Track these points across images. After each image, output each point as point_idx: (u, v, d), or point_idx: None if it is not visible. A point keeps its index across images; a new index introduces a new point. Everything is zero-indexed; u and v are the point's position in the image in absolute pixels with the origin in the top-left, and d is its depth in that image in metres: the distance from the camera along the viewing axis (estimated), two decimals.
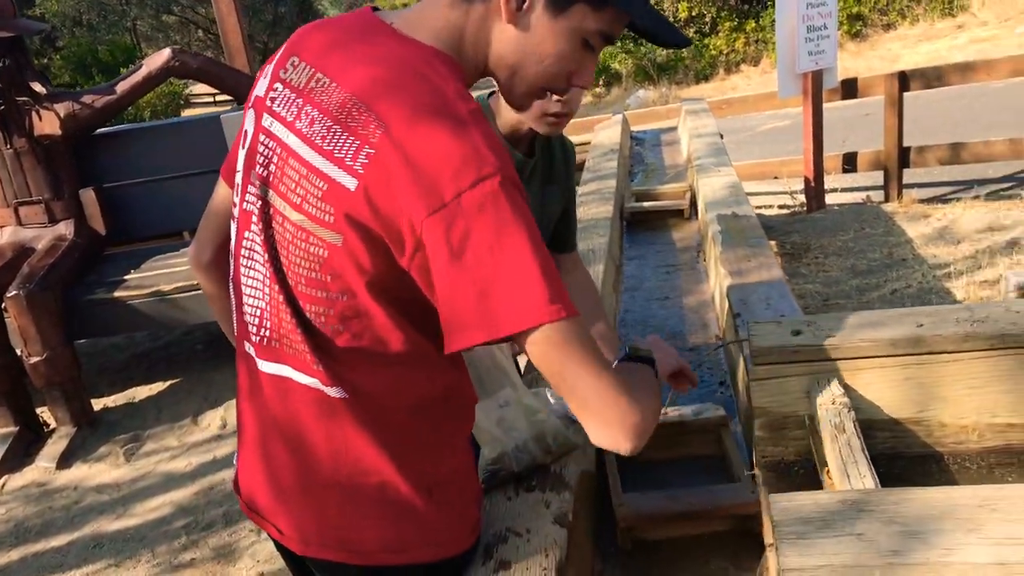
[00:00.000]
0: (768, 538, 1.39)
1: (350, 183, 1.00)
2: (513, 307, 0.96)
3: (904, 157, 6.68)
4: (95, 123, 5.01)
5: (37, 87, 4.80)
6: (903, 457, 1.53)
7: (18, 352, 4.66)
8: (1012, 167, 7.07)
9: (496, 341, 0.98)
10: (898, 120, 6.60)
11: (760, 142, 9.78)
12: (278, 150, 1.09)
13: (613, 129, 5.82)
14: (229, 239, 1.23)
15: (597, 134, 5.80)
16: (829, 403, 1.46)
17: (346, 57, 1.06)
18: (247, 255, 1.16)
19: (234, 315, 1.23)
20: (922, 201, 6.19)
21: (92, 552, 3.64)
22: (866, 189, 7.04)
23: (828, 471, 1.41)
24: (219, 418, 4.67)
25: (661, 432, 1.65)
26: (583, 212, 3.77)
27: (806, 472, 1.56)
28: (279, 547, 1.27)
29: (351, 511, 1.16)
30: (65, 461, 4.46)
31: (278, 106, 1.11)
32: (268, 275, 1.12)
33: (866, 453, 1.33)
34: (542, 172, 1.89)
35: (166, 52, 5.00)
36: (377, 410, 1.13)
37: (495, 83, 1.17)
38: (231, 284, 1.23)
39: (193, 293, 4.66)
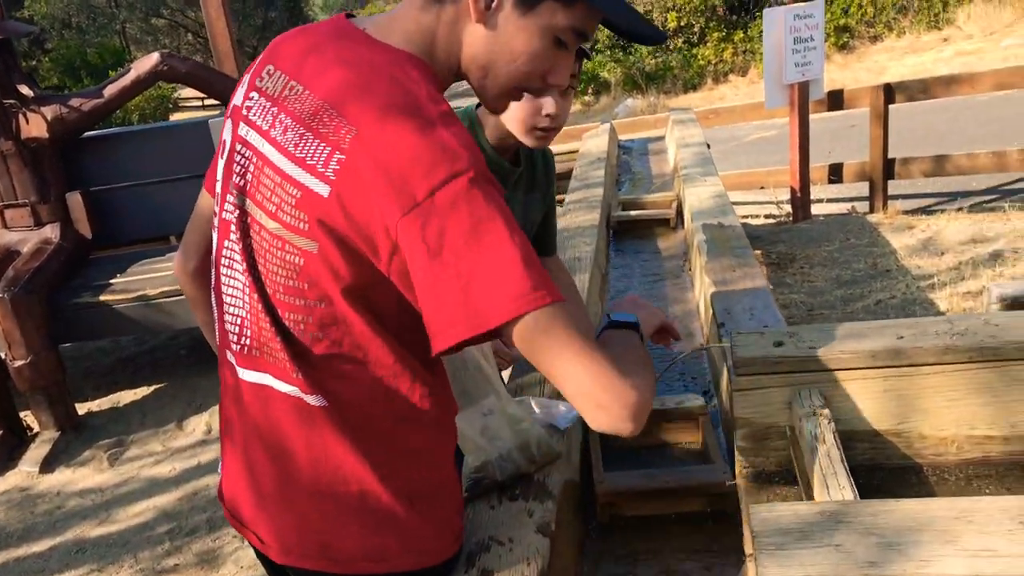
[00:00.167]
0: (748, 548, 1.40)
1: (323, 190, 1.00)
2: (497, 298, 0.95)
3: (889, 169, 6.73)
4: (83, 126, 5.00)
5: (24, 90, 4.79)
6: (883, 469, 1.54)
7: (2, 356, 4.64)
8: (995, 180, 7.13)
9: (483, 335, 0.97)
10: (883, 132, 6.65)
11: (747, 152, 9.83)
12: (254, 159, 1.09)
13: (601, 138, 5.83)
14: None
15: (585, 142, 5.82)
16: (810, 414, 1.47)
17: (319, 64, 1.07)
18: (227, 264, 1.16)
19: (216, 324, 1.23)
20: (907, 212, 6.24)
21: (74, 557, 3.62)
22: (851, 200, 7.08)
23: (808, 483, 1.42)
24: (204, 423, 4.66)
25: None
26: (570, 220, 3.78)
27: (787, 483, 1.57)
28: (260, 556, 1.27)
29: (332, 519, 1.16)
30: (48, 465, 4.44)
31: (254, 115, 1.11)
32: (247, 284, 1.12)
33: (846, 464, 1.34)
34: (525, 180, 1.92)
35: (155, 56, 4.99)
36: (357, 418, 1.13)
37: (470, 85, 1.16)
38: (212, 293, 1.23)
39: (179, 298, 4.65)
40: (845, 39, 16.46)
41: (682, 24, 17.33)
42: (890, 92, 6.64)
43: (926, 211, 6.55)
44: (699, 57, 17.29)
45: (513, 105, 1.65)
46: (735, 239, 3.14)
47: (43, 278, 4.65)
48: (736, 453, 1.64)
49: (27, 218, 4.93)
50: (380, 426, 1.14)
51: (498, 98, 1.15)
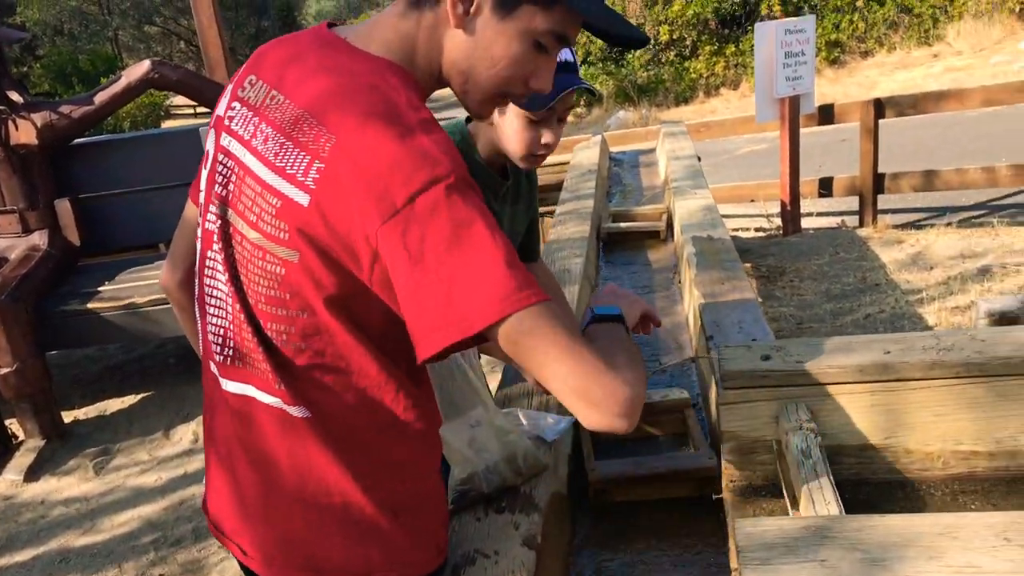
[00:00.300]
0: (733, 562, 1.40)
1: (303, 199, 0.99)
2: (481, 300, 0.94)
3: (879, 183, 6.75)
4: (72, 133, 4.98)
5: (14, 96, 4.78)
6: (869, 483, 1.54)
7: None
8: (984, 195, 7.17)
9: (469, 339, 0.95)
10: (873, 146, 6.68)
11: (738, 165, 9.87)
12: (235, 168, 1.09)
13: (592, 150, 5.84)
14: None
15: (576, 154, 5.82)
16: (796, 428, 1.47)
17: (299, 73, 1.07)
18: (210, 274, 1.15)
19: (199, 335, 1.23)
20: (896, 227, 6.27)
21: (58, 567, 3.60)
22: (841, 214, 7.11)
23: (794, 497, 1.42)
24: (191, 432, 4.63)
25: None
26: (560, 232, 3.78)
27: (773, 496, 1.57)
28: (243, 568, 1.26)
29: (315, 530, 1.15)
30: (33, 474, 4.41)
31: (236, 125, 1.11)
32: (230, 294, 1.11)
33: (831, 479, 1.34)
34: (511, 193, 1.95)
35: (146, 64, 4.99)
36: (341, 429, 1.12)
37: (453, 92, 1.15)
38: (196, 304, 1.22)
39: (167, 306, 4.62)
40: (836, 54, 16.58)
41: (674, 37, 17.42)
42: (880, 107, 6.68)
43: (915, 226, 6.58)
44: (691, 70, 17.39)
45: (513, 132, 1.69)
46: (725, 252, 3.14)
47: (30, 285, 4.62)
48: (723, 466, 1.64)
49: (15, 225, 4.91)
50: (364, 437, 1.13)
51: (481, 104, 1.15)
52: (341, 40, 1.10)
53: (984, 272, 4.75)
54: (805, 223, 6.69)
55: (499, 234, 0.97)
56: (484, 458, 1.62)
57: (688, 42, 17.48)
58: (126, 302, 4.70)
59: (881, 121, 6.69)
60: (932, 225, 6.27)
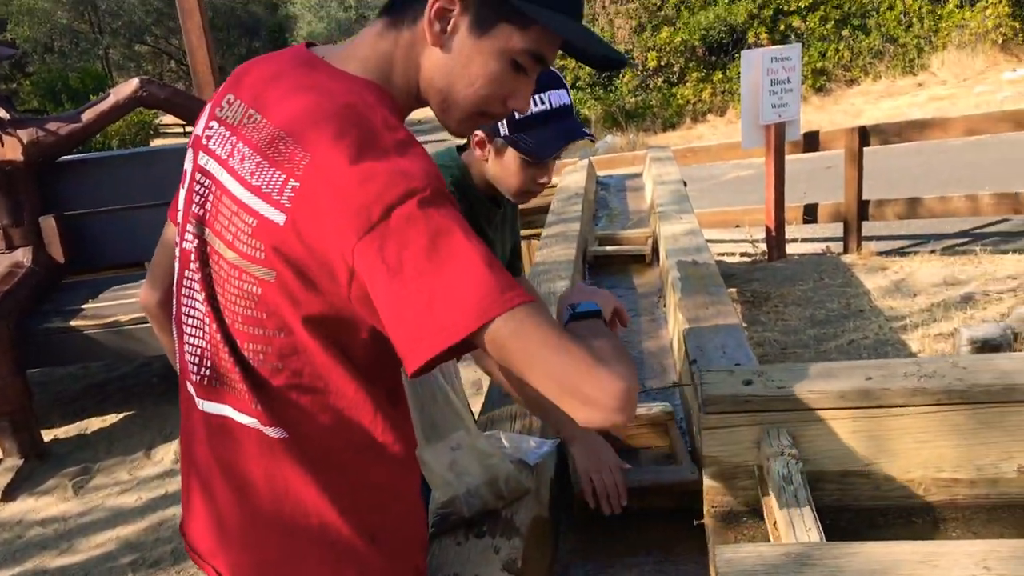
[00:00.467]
0: None
1: (278, 218, 0.99)
2: (464, 306, 0.93)
3: (863, 210, 6.80)
4: (59, 150, 4.97)
5: (1, 112, 4.76)
6: (850, 510, 1.54)
7: None
8: (968, 223, 7.23)
9: (456, 347, 0.94)
10: (858, 174, 6.73)
11: (724, 190, 9.92)
12: (213, 188, 1.09)
13: (579, 173, 5.86)
14: None
15: (563, 178, 5.84)
16: (778, 454, 1.47)
17: (277, 93, 1.07)
18: (187, 294, 1.15)
19: (177, 355, 1.22)
20: (880, 254, 6.31)
21: None
22: (826, 240, 7.16)
23: (775, 523, 1.42)
24: (172, 452, 4.59)
25: None
26: (546, 255, 3.79)
27: (755, 522, 1.56)
28: None
29: (291, 553, 1.14)
30: (10, 493, 4.36)
31: (213, 144, 1.11)
32: (207, 314, 1.11)
33: (812, 505, 1.34)
34: (500, 218, 1.98)
35: (134, 82, 4.99)
36: (317, 450, 1.11)
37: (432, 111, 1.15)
38: (174, 323, 1.21)
39: (150, 325, 4.59)
40: (822, 82, 16.75)
41: (662, 64, 17.58)
42: (865, 135, 6.74)
43: (899, 253, 6.63)
44: (678, 96, 17.53)
45: (512, 171, 1.74)
46: (709, 277, 3.15)
47: (12, 302, 4.59)
48: (704, 492, 1.63)
49: None
50: (341, 458, 1.12)
51: (460, 122, 1.14)
52: (319, 59, 1.10)
53: (967, 300, 4.78)
54: (790, 249, 6.73)
55: (477, 240, 0.96)
56: (465, 482, 1.61)
57: (676, 68, 17.63)
58: (109, 320, 4.67)
59: (866, 149, 6.75)
60: (916, 252, 6.32)
